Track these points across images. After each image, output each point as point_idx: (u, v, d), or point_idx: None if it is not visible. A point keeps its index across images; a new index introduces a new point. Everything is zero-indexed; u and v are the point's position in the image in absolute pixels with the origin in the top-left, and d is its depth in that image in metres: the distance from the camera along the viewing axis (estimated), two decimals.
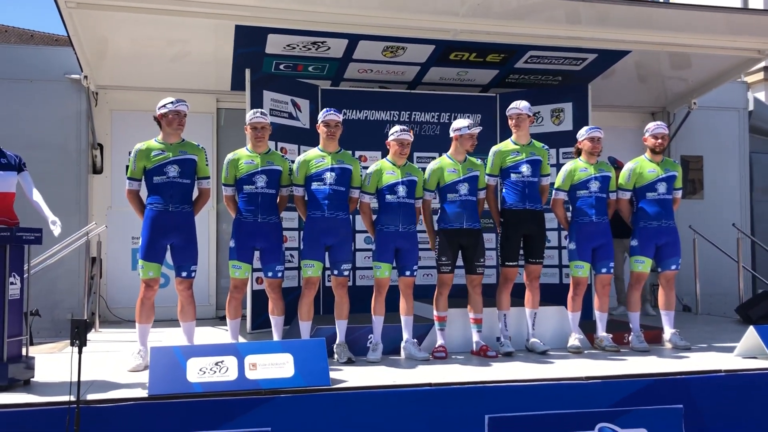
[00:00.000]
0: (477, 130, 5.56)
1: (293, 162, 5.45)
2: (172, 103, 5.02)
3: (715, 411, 4.70)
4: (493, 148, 5.83)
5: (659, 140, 5.89)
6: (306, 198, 5.35)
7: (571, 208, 5.97)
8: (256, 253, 5.33)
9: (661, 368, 4.95)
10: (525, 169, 5.68)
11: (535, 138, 5.93)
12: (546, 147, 5.88)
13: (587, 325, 5.99)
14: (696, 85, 8.56)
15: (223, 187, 5.32)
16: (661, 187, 5.85)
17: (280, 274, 5.25)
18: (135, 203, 5.13)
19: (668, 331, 5.92)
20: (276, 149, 6.89)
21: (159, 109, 5.08)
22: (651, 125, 6.01)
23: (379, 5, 6.34)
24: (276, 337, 5.24)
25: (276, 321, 5.27)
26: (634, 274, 5.96)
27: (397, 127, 5.47)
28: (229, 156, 5.31)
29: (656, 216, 5.84)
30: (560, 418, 4.45)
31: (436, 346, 5.47)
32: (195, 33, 6.69)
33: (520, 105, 5.75)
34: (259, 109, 5.36)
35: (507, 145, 5.82)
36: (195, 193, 5.24)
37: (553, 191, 5.97)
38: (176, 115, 5.02)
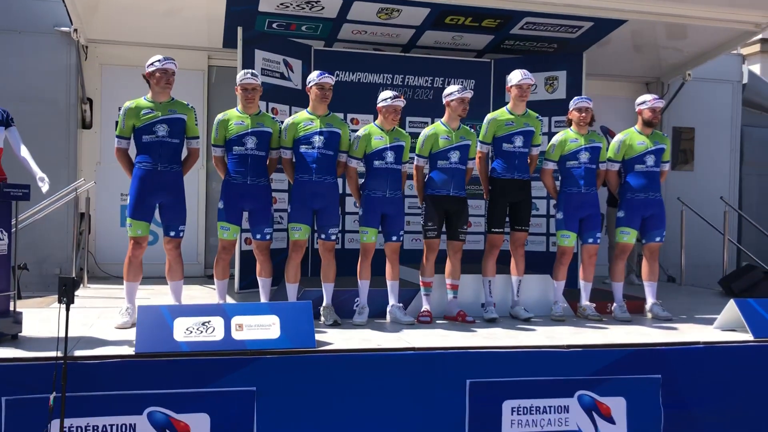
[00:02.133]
0: (468, 94, 5.55)
1: (283, 123, 5.42)
2: (159, 61, 4.98)
3: (693, 381, 4.81)
4: (488, 116, 5.82)
5: (657, 114, 5.91)
6: (294, 161, 5.34)
7: (560, 178, 5.99)
8: (245, 214, 5.34)
9: (642, 338, 5.05)
10: (518, 140, 5.71)
11: (528, 106, 5.91)
12: (540, 117, 5.89)
13: (572, 293, 6.06)
14: (691, 57, 8.54)
15: (212, 147, 5.32)
16: (650, 160, 5.89)
17: (268, 236, 5.28)
18: (124, 161, 5.12)
19: (650, 302, 6.01)
20: (267, 110, 6.86)
21: (147, 67, 5.03)
22: (649, 97, 5.99)
23: None
24: (263, 298, 5.29)
25: (263, 283, 5.31)
26: (619, 245, 6.04)
27: (388, 93, 5.44)
28: (219, 116, 5.29)
29: (643, 188, 5.88)
30: (540, 385, 4.54)
31: (422, 310, 5.54)
32: None
33: (524, 77, 5.70)
34: (250, 70, 5.31)
35: (503, 113, 5.81)
36: (184, 153, 5.23)
37: (543, 161, 5.99)
38: (164, 74, 4.98)
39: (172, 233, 5.11)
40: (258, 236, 5.26)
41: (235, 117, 5.21)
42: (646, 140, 5.91)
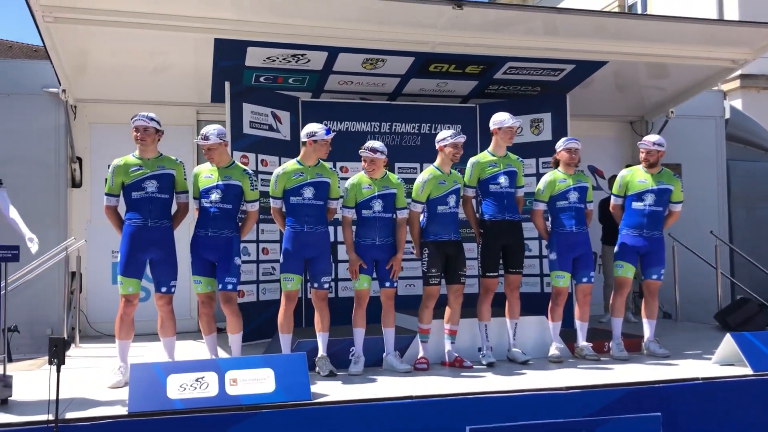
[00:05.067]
0: (461, 139, 5.62)
1: (272, 174, 5.41)
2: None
3: (693, 418, 4.77)
4: (471, 160, 5.88)
5: (653, 156, 5.93)
6: (284, 210, 5.35)
7: (550, 219, 6.03)
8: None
9: (640, 377, 5.01)
10: (503, 180, 5.75)
11: (514, 148, 5.98)
12: (521, 159, 5.96)
13: (569, 334, 6.04)
14: (673, 94, 8.68)
15: (193, 199, 5.28)
16: (649, 198, 5.92)
17: (230, 287, 5.14)
18: (113, 219, 5.12)
19: (648, 340, 5.99)
20: (256, 161, 6.95)
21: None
22: (648, 138, 6.06)
23: (359, 18, 6.39)
24: (234, 353, 5.17)
25: (232, 339, 5.20)
26: (616, 280, 6.05)
27: (367, 143, 5.49)
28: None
29: (640, 225, 5.93)
30: (540, 428, 4.48)
31: (418, 357, 5.49)
32: (175, 46, 6.71)
33: (514, 119, 5.78)
34: (216, 127, 5.22)
35: (485, 156, 5.88)
36: (174, 208, 5.26)
37: (533, 202, 6.04)
38: (135, 131, 5.02)
39: (164, 289, 5.10)
40: (220, 287, 5.15)
41: (205, 170, 5.23)
42: (649, 179, 5.96)
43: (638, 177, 6.00)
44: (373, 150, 5.40)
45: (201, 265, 5.18)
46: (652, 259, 5.95)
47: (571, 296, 6.25)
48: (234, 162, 5.36)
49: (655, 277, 5.96)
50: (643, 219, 5.92)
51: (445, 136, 5.63)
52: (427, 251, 5.57)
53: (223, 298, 5.16)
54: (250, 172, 5.38)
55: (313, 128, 5.31)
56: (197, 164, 7.78)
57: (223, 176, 5.18)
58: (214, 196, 5.13)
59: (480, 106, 7.98)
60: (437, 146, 5.66)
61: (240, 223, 5.33)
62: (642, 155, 5.99)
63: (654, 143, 5.98)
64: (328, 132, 5.29)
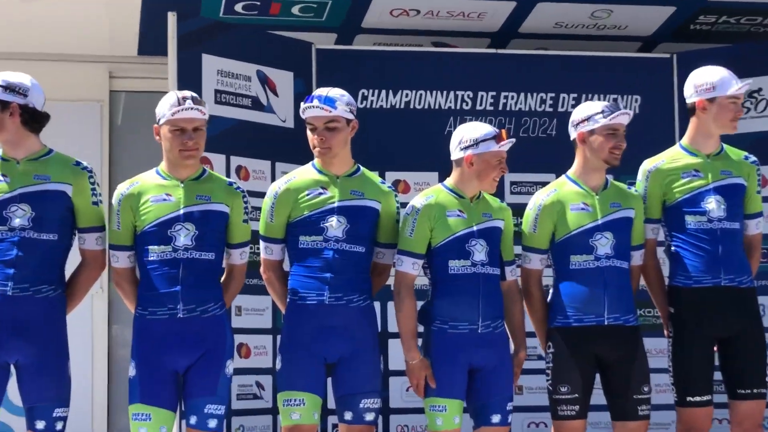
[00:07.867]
0: (621, 119, 5.47)
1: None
2: None
3: None
4: (646, 165, 5.76)
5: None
6: (286, 265, 5.33)
7: None
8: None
9: None
10: (713, 204, 5.59)
11: (729, 141, 5.85)
12: (753, 160, 5.82)
13: None
14: None
15: (109, 251, 5.19)
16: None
17: (213, 424, 5.04)
18: None
19: None
20: (227, 169, 6.97)
21: None
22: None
23: None
24: None
25: None
26: None
27: (484, 127, 5.41)
28: (123, 188, 5.15)
29: None
30: None
31: None
32: None
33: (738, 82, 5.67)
34: (189, 94, 5.16)
35: (675, 157, 5.74)
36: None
37: None
38: None
39: (41, 425, 4.95)
40: (192, 421, 4.99)
41: (152, 188, 5.06)
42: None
43: None
44: (501, 138, 5.32)
45: (156, 383, 5.00)
46: None
47: None
48: (205, 170, 5.32)
49: None
50: None
51: (589, 113, 5.54)
52: (552, 348, 5.46)
53: None
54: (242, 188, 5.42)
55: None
56: (109, 169, 8.29)
57: (195, 196, 5.07)
58: (183, 235, 4.98)
59: (678, 56, 8.00)
60: (573, 134, 5.66)
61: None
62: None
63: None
64: (309, 99, 5.21)
